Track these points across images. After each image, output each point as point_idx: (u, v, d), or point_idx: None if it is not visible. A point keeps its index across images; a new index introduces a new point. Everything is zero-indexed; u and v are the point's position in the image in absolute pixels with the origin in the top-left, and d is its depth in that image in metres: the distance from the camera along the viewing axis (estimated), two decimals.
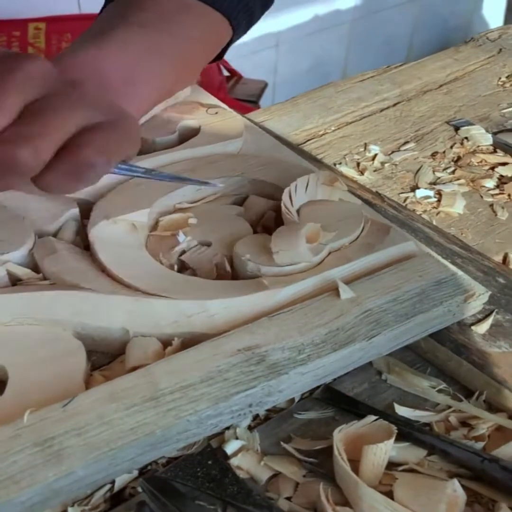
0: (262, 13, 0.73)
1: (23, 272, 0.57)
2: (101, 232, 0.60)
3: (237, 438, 0.51)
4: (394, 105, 0.89)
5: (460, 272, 0.58)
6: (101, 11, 0.68)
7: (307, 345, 0.51)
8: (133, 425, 0.46)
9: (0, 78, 0.46)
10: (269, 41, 2.24)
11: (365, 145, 0.80)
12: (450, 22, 2.73)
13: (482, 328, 0.57)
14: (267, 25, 2.19)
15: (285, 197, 0.62)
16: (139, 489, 0.47)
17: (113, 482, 0.48)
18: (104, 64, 0.60)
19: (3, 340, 0.52)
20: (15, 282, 0.58)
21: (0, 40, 1.54)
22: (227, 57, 1.79)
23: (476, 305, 0.57)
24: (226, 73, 1.82)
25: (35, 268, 0.58)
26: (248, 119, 0.80)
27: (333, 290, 0.55)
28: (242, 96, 1.74)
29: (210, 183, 0.59)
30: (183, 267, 0.61)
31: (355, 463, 0.47)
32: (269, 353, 0.50)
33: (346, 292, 0.55)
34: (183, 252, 0.61)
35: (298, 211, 0.62)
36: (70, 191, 0.50)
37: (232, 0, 0.66)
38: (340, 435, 0.48)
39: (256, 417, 0.53)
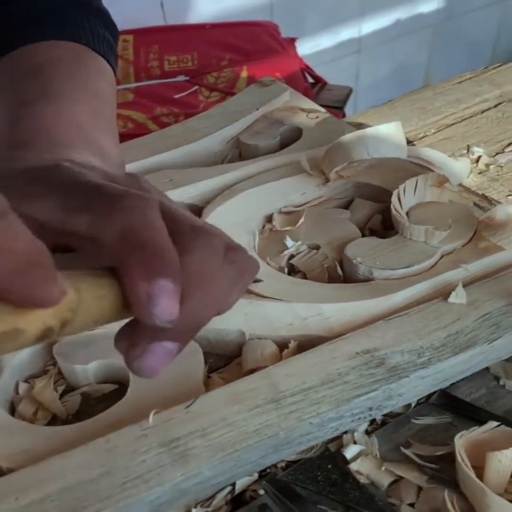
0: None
1: None
2: None
3: (355, 443, 0.50)
4: (495, 106, 0.87)
5: None
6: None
7: (427, 349, 0.50)
8: (257, 426, 0.46)
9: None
10: (351, 47, 2.24)
11: (468, 147, 0.79)
12: None
13: None
14: (349, 31, 2.18)
15: (394, 199, 0.61)
16: (260, 492, 0.48)
17: (233, 484, 0.48)
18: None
19: None
20: None
21: None
22: (311, 63, 1.80)
23: None
24: (310, 80, 1.82)
25: None
26: (347, 123, 0.79)
27: (448, 293, 0.54)
28: (327, 102, 1.74)
29: None
30: (292, 271, 0.61)
31: (477, 470, 0.46)
32: (388, 356, 0.50)
33: (458, 297, 0.54)
34: (292, 256, 0.61)
35: (407, 213, 0.61)
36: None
37: (100, 41, 0.61)
38: (462, 441, 0.47)
39: (372, 421, 0.52)
